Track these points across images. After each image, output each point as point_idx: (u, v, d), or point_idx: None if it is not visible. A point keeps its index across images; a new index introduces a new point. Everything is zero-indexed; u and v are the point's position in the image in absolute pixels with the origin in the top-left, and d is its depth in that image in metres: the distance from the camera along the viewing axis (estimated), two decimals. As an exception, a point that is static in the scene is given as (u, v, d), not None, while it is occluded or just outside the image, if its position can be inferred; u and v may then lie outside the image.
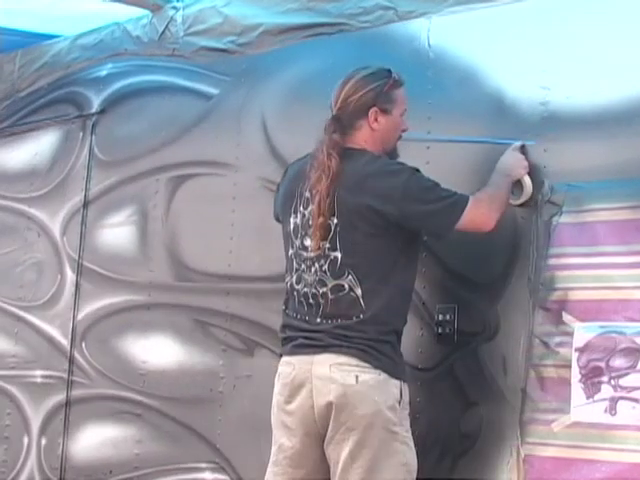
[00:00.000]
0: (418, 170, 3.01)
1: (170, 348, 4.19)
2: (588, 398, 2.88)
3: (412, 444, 2.94)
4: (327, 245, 2.97)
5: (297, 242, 3.06)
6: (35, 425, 4.71)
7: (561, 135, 3.13)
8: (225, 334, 3.99)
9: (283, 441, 3.01)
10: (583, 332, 2.93)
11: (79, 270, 4.64)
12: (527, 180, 3.15)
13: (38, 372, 4.75)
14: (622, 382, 2.83)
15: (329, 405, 2.90)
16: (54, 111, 4.98)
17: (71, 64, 4.92)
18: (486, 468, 3.13)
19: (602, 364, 2.87)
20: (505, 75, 3.31)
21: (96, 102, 4.76)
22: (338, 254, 2.97)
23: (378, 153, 3.06)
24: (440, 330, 3.29)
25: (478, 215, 3.00)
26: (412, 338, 3.33)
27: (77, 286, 4.64)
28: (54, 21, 4.87)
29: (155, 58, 4.52)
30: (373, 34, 3.70)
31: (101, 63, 4.76)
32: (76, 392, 4.54)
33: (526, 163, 3.15)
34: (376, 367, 2.89)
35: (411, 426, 3.00)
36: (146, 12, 4.54)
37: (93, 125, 4.74)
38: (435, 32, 3.51)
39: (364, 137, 3.06)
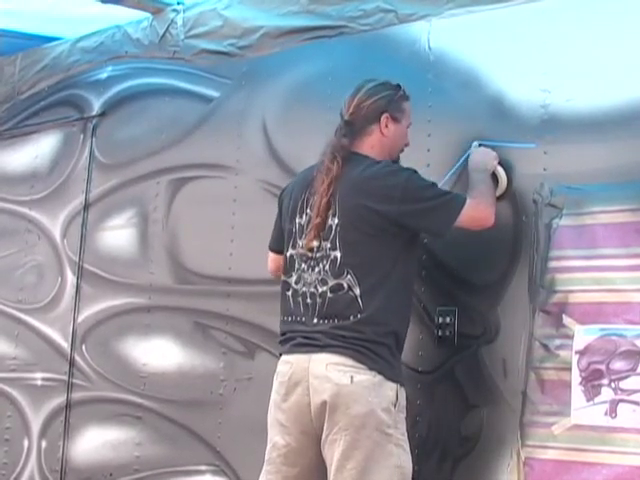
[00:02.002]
0: (416, 171, 3.05)
1: (170, 351, 4.19)
2: (588, 401, 2.88)
3: (407, 447, 2.94)
4: (328, 245, 3.01)
5: (300, 242, 3.09)
6: (35, 428, 4.71)
7: (561, 138, 3.13)
8: (225, 337, 3.99)
9: (277, 439, 3.03)
10: (583, 335, 2.93)
11: (79, 273, 4.64)
12: (501, 171, 3.20)
13: (38, 375, 4.75)
14: (622, 385, 2.83)
15: (324, 404, 2.91)
16: (55, 114, 4.98)
17: (72, 67, 4.93)
18: (486, 471, 3.13)
19: (602, 367, 2.87)
20: (505, 78, 3.31)
21: (97, 105, 4.76)
22: (338, 253, 2.99)
23: (380, 159, 3.09)
24: (440, 333, 3.29)
25: (478, 211, 3.04)
26: (412, 341, 3.33)
27: (77, 289, 4.64)
28: (55, 23, 4.88)
29: (156, 61, 4.52)
30: (373, 37, 3.70)
31: (102, 66, 4.76)
32: (76, 395, 4.54)
33: (494, 153, 3.21)
34: (372, 369, 2.90)
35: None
36: (147, 15, 4.55)
37: (94, 128, 4.74)
38: (435, 35, 3.51)
39: (372, 142, 3.11)
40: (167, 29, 4.46)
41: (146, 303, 4.33)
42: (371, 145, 3.11)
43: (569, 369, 2.93)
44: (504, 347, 3.15)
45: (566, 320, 2.97)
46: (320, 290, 3.01)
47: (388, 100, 3.12)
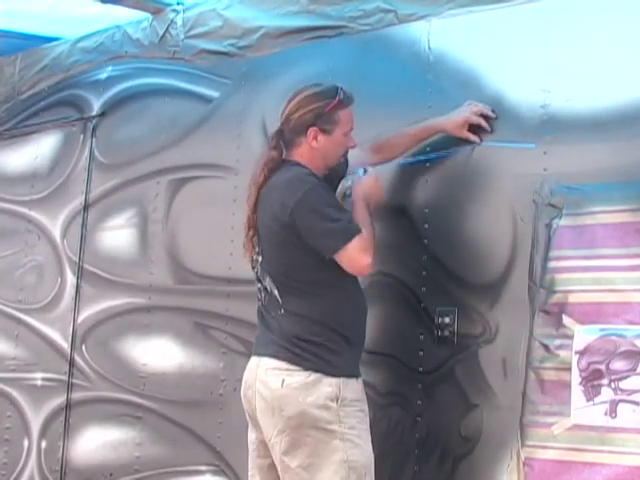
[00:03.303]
0: (321, 188, 3.02)
1: (170, 351, 4.19)
2: (588, 401, 2.88)
3: (361, 440, 2.97)
4: (257, 250, 3.13)
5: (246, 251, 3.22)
6: (35, 428, 4.71)
7: (561, 138, 3.13)
8: (225, 337, 3.99)
9: (250, 435, 3.19)
10: (583, 335, 2.93)
11: (79, 273, 4.64)
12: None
13: (38, 375, 4.75)
14: (622, 385, 2.83)
15: (264, 408, 3.01)
16: (55, 114, 4.98)
17: (72, 67, 4.93)
18: (486, 471, 3.13)
19: (602, 367, 2.87)
20: (505, 78, 3.31)
21: (96, 105, 4.76)
22: (260, 258, 3.12)
23: (308, 167, 3.10)
24: (440, 333, 3.29)
25: (359, 256, 2.95)
26: (412, 341, 3.34)
27: (77, 289, 4.64)
28: (55, 23, 4.88)
29: (155, 61, 4.52)
30: (373, 37, 3.70)
31: (101, 66, 4.77)
32: (76, 395, 4.54)
33: (380, 185, 3.17)
34: (307, 369, 2.97)
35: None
36: (147, 15, 4.55)
37: (93, 128, 4.74)
38: (435, 35, 3.51)
39: (301, 153, 3.14)
40: (167, 29, 4.46)
41: (146, 303, 4.33)
42: (300, 155, 3.14)
43: (569, 369, 2.93)
44: (504, 347, 3.15)
45: (566, 320, 2.97)
46: (262, 295, 3.15)
47: (317, 114, 3.09)
